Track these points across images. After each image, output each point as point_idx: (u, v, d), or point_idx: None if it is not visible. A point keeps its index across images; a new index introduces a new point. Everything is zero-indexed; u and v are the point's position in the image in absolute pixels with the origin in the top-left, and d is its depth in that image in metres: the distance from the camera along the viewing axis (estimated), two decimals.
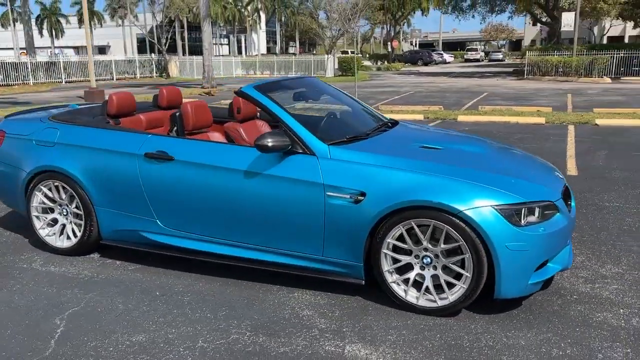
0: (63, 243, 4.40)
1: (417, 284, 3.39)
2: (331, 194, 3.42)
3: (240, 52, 63.59)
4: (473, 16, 52.70)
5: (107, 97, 4.79)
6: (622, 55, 29.22)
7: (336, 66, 35.17)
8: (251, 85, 3.96)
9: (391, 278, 3.40)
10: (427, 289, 3.33)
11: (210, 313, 3.44)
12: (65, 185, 4.25)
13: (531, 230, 3.16)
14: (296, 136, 3.59)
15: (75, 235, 4.36)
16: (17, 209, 4.76)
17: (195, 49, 56.61)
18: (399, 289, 3.40)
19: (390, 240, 3.33)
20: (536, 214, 3.22)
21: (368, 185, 3.34)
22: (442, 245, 3.24)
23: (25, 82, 29.50)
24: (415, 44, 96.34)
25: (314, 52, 75.45)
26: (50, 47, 60.35)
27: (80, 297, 3.69)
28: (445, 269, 3.31)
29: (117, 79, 34.18)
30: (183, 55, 43.87)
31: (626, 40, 53.25)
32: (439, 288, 3.33)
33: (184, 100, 4.86)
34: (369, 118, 4.56)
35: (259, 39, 69.90)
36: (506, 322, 3.25)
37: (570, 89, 21.64)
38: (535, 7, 33.61)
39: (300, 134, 3.60)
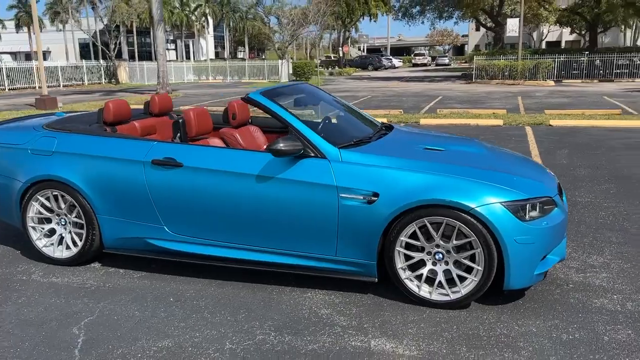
0: (62, 253, 4.33)
1: (429, 279, 3.56)
2: (344, 195, 3.55)
3: (188, 58, 62.70)
4: (423, 22, 54.26)
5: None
6: (563, 59, 30.80)
7: (290, 71, 35.31)
8: (258, 91, 4.04)
9: (404, 275, 3.56)
10: (439, 283, 3.51)
11: (230, 316, 3.50)
12: (65, 194, 4.19)
13: (536, 224, 3.39)
14: (307, 140, 3.70)
15: (75, 244, 4.30)
16: (8, 221, 4.64)
17: (143, 55, 55.45)
18: (412, 285, 3.56)
19: (403, 238, 3.49)
20: (538, 209, 3.46)
21: (381, 186, 3.49)
22: (454, 242, 3.42)
23: None
24: (363, 50, 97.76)
25: (264, 56, 75.36)
26: None
27: (92, 307, 3.66)
28: (456, 263, 3.49)
29: (63, 86, 33.08)
30: (131, 60, 42.87)
31: (563, 45, 56.00)
32: (450, 282, 3.51)
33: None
34: (364, 122, 4.71)
35: (207, 44, 69.23)
36: (514, 312, 3.47)
37: (519, 91, 22.60)
38: (481, 13, 34.87)
39: (310, 138, 3.71)
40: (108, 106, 4.53)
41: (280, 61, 36.70)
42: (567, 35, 55.70)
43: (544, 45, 54.70)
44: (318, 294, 3.79)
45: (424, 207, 3.40)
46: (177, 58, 63.50)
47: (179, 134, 4.31)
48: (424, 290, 3.54)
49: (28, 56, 51.84)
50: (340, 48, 55.43)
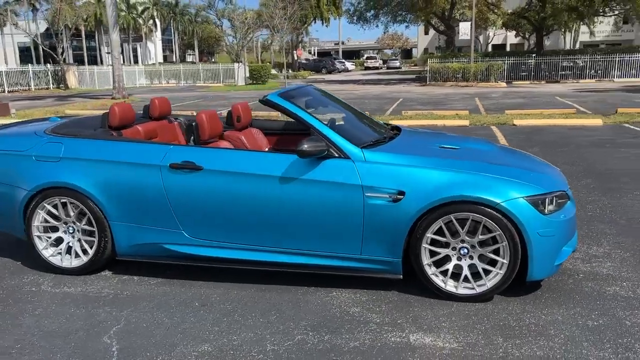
0: (71, 263, 4.20)
1: (454, 274, 3.67)
2: (370, 194, 3.61)
3: (136, 62, 61.28)
4: (377, 25, 55.10)
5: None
6: (512, 62, 31.98)
7: (247, 74, 35.10)
8: (275, 93, 4.06)
9: (430, 271, 3.65)
10: (465, 277, 3.62)
11: (262, 318, 3.50)
12: (75, 201, 4.07)
13: (554, 217, 3.56)
14: (330, 141, 3.74)
15: (85, 253, 4.18)
16: (8, 231, 4.46)
17: (89, 59, 53.78)
18: (439, 280, 3.66)
19: (429, 234, 3.58)
20: (554, 203, 3.62)
21: (406, 185, 3.58)
22: (480, 237, 3.55)
23: None
24: (314, 53, 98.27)
25: (213, 60, 74.53)
26: None
27: (116, 315, 3.57)
28: (481, 257, 3.62)
29: (9, 92, 31.67)
30: (76, 65, 41.34)
31: (508, 47, 58.01)
32: (475, 276, 3.63)
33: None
34: (372, 123, 4.80)
35: (155, 48, 67.88)
36: (537, 302, 3.62)
37: (475, 93, 23.31)
38: (432, 17, 35.76)
39: (333, 139, 3.76)
40: (114, 110, 4.43)
41: (236, 64, 36.40)
42: (511, 38, 57.73)
43: (490, 48, 56.51)
44: (343, 293, 3.83)
45: (450, 204, 3.51)
46: (124, 62, 61.97)
47: (192, 137, 4.26)
48: (450, 285, 3.65)
49: None
50: (294, 51, 55.46)
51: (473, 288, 3.61)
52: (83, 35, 50.90)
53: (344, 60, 61.09)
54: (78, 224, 4.17)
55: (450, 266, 3.65)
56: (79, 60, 49.49)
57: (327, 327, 3.36)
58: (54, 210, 4.16)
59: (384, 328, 3.33)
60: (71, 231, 4.21)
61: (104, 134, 4.30)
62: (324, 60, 59.37)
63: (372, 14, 37.83)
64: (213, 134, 4.32)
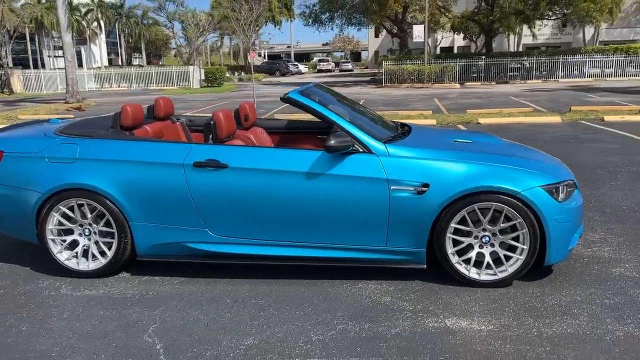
0: (88, 265, 4.14)
1: (475, 261, 3.85)
2: (395, 187, 3.74)
3: (80, 65, 59.36)
4: (332, 28, 55.53)
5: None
6: (463, 63, 32.98)
7: (202, 77, 34.68)
8: (296, 91, 4.13)
9: (454, 259, 3.82)
10: (487, 264, 3.81)
11: (298, 310, 3.56)
12: (92, 203, 4.01)
13: (567, 204, 3.80)
14: (353, 137, 3.85)
15: (103, 255, 4.12)
16: (19, 236, 4.35)
17: (28, 62, 51.69)
18: (462, 268, 3.83)
19: (453, 224, 3.75)
20: (565, 191, 3.86)
21: (430, 177, 3.73)
22: (501, 225, 3.74)
23: None
24: (264, 56, 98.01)
25: (161, 63, 73.16)
26: None
27: (149, 315, 3.56)
28: (501, 244, 3.81)
29: None
30: (17, 68, 39.54)
31: (455, 50, 59.65)
32: (496, 262, 3.82)
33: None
34: (381, 120, 4.94)
35: (100, 51, 65.99)
36: (553, 284, 3.85)
37: (432, 94, 23.92)
38: (386, 20, 36.43)
39: (357, 135, 3.87)
40: (126, 110, 4.39)
41: (191, 67, 35.93)
42: (459, 41, 59.36)
43: (438, 51, 57.98)
44: (369, 284, 3.94)
45: (474, 194, 3.68)
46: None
47: (211, 136, 4.27)
48: (473, 272, 3.82)
49: None
50: (248, 54, 55.16)
51: (495, 274, 3.80)
52: (27, 38, 48.87)
53: (297, 63, 61.23)
54: (95, 225, 4.11)
55: (473, 254, 3.82)
56: (19, 64, 47.45)
57: (364, 316, 3.47)
58: (69, 213, 4.08)
59: (418, 315, 3.47)
60: (87, 233, 4.14)
61: (119, 134, 4.26)
62: (278, 63, 59.28)
63: (327, 16, 38.23)
64: (229, 132, 4.35)
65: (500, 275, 3.79)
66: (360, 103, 19.64)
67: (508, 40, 53.68)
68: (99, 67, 48.97)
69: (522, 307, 3.52)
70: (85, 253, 4.17)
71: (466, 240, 3.81)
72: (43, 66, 52.51)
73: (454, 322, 3.36)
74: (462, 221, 3.76)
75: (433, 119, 13.55)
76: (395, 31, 37.95)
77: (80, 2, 59.54)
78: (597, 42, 47.48)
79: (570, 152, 8.79)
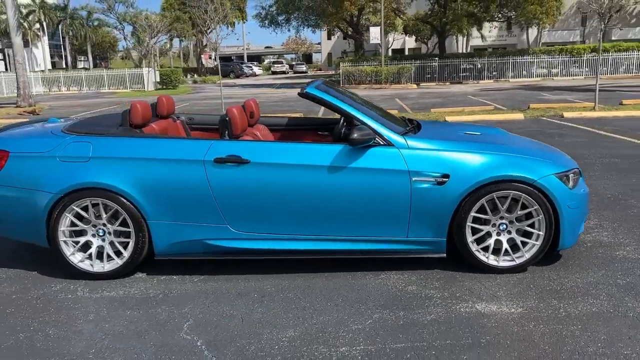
0: (103, 267, 4.03)
1: (492, 248, 3.98)
2: (417, 179, 3.84)
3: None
4: (288, 29, 55.55)
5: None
6: (418, 64, 33.67)
7: (157, 79, 33.98)
8: (312, 86, 4.17)
9: (474, 247, 3.94)
10: (505, 251, 3.95)
11: (329, 302, 3.60)
12: (108, 202, 3.92)
13: (577, 191, 3.99)
14: (374, 130, 3.92)
15: (119, 255, 4.03)
16: (26, 239, 4.21)
17: None
18: (481, 255, 3.95)
19: (472, 213, 3.87)
20: (573, 178, 4.06)
21: (450, 168, 3.84)
22: (519, 212, 3.89)
23: None
24: (215, 58, 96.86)
25: (110, 66, 71.26)
26: None
27: (179, 313, 3.51)
28: (518, 231, 3.96)
29: None
30: None
31: (406, 52, 60.77)
32: (514, 248, 3.97)
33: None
34: (390, 115, 5.02)
35: (43, 53, 63.59)
36: (566, 268, 4.02)
37: (392, 94, 24.32)
38: (343, 22, 36.78)
39: (376, 129, 3.94)
40: (136, 107, 4.30)
41: (145, 69, 35.13)
42: (410, 43, 60.52)
43: (390, 53, 58.94)
44: (391, 274, 4.02)
45: (493, 184, 3.82)
46: (7, 69, 57.30)
47: (227, 132, 4.24)
48: (492, 259, 3.96)
49: None
50: (201, 56, 54.50)
51: (513, 260, 3.95)
52: None
53: (251, 65, 60.86)
54: (109, 225, 4.01)
55: (491, 241, 3.96)
56: None
57: (396, 305, 3.54)
58: (83, 213, 3.97)
59: (448, 301, 3.56)
60: (101, 234, 4.03)
61: (131, 132, 4.17)
62: (232, 65, 58.67)
63: (283, 18, 38.23)
64: (243, 128, 4.33)
65: (518, 261, 3.94)
66: None
67: (457, 42, 55.18)
68: (42, 71, 47.18)
69: (543, 290, 3.68)
70: (99, 254, 4.06)
71: (485, 228, 3.93)
72: None
73: (484, 306, 3.47)
74: (481, 210, 3.89)
75: None
76: (351, 33, 38.35)
77: (22, 3, 57.20)
78: (540, 43, 49.42)
79: None
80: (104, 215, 3.98)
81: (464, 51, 47.19)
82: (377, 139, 3.91)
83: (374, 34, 30.82)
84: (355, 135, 3.77)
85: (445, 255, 3.99)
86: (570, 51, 34.54)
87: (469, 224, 3.88)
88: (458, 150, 3.91)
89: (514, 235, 3.95)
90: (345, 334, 3.19)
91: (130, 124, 4.31)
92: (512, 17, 33.59)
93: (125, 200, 3.90)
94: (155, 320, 3.42)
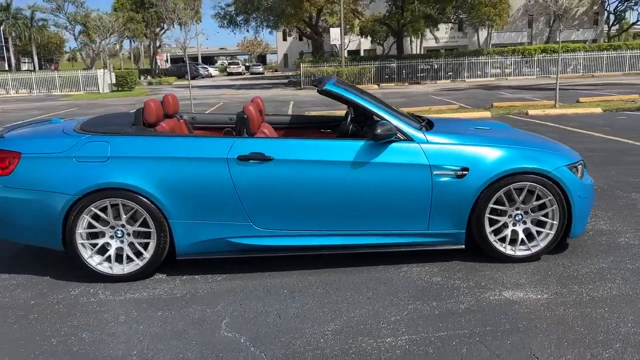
0: (123, 269, 3.94)
1: (506, 238, 4.12)
2: (437, 172, 3.94)
3: None
4: (247, 30, 55.00)
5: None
6: (377, 65, 34.13)
7: (113, 81, 33.09)
8: (330, 83, 4.21)
9: (492, 238, 4.07)
10: (522, 241, 4.10)
11: (360, 296, 3.64)
12: (128, 202, 3.84)
13: (585, 181, 4.19)
14: (395, 126, 3.99)
15: (139, 256, 3.95)
16: (39, 243, 4.08)
17: None
18: (499, 246, 4.09)
19: (491, 205, 4.00)
20: (580, 170, 4.25)
21: (469, 161, 3.96)
22: (534, 202, 4.05)
23: None
24: (167, 59, 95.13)
25: (57, 67, 68.82)
26: None
27: (213, 312, 3.48)
28: (532, 221, 4.12)
29: None
30: None
31: (362, 53, 61.40)
32: (529, 238, 4.12)
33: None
34: (401, 111, 5.11)
35: None
36: (576, 256, 4.21)
37: None
38: (302, 23, 36.83)
39: (397, 124, 4.02)
40: (150, 106, 4.22)
41: (100, 71, 34.13)
42: (365, 44, 61.18)
43: (346, 54, 59.44)
44: (412, 267, 4.10)
45: (510, 176, 3.96)
46: None
47: (245, 130, 4.22)
48: (509, 249, 4.10)
49: None
50: (157, 57, 53.40)
51: (528, 249, 4.10)
52: None
53: (206, 66, 60.10)
54: (129, 226, 3.93)
55: (508, 232, 4.10)
56: None
57: (427, 295, 3.62)
58: (102, 214, 3.87)
59: (475, 290, 3.67)
60: (119, 235, 3.95)
61: (147, 131, 4.10)
62: (187, 66, 57.87)
63: (242, 18, 37.95)
64: (258, 126, 4.33)
65: (534, 250, 4.10)
66: (291, 104, 19.78)
67: (411, 44, 56.20)
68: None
69: (561, 277, 3.84)
70: (117, 256, 3.97)
71: (501, 219, 4.07)
72: None
73: (511, 294, 3.60)
74: (498, 201, 4.03)
75: None
76: (310, 34, 38.46)
77: None
78: (490, 44, 50.95)
79: None
80: (124, 216, 3.89)
81: (418, 52, 48.07)
82: (398, 134, 3.98)
83: (334, 35, 31.03)
84: (379, 130, 3.84)
85: (464, 246, 4.10)
86: (522, 52, 35.80)
87: (487, 215, 4.01)
88: (475, 144, 4.03)
89: (529, 225, 4.11)
90: (386, 325, 3.24)
91: (143, 122, 4.23)
92: (467, 18, 34.48)
93: (146, 200, 3.83)
94: (190, 320, 3.38)
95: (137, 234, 3.96)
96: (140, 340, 3.16)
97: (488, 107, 16.18)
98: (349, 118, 5.04)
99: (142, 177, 3.82)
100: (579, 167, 4.18)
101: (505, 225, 4.11)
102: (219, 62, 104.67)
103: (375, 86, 30.50)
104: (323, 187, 3.91)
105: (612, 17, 59.80)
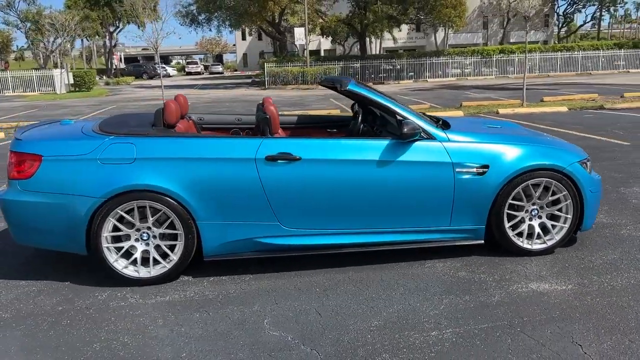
0: (150, 272, 3.89)
1: (520, 233, 4.28)
2: (459, 170, 4.06)
3: None
4: (210, 29, 54.19)
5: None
6: (341, 65, 34.38)
7: (71, 81, 32.10)
8: (353, 82, 4.26)
9: (511, 233, 4.22)
10: (538, 235, 4.27)
11: (393, 292, 3.72)
12: (156, 204, 3.79)
13: (594, 176, 4.39)
14: (419, 125, 4.09)
15: (166, 259, 3.91)
16: (61, 248, 3.98)
17: None
18: (516, 240, 4.24)
19: (509, 200, 4.15)
20: (589, 166, 4.46)
21: (489, 159, 4.09)
22: (550, 197, 4.22)
23: None
24: (121, 59, 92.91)
25: (8, 66, 66.11)
26: None
27: (251, 311, 3.48)
28: (547, 216, 4.29)
29: None
30: None
31: (322, 53, 61.61)
32: (544, 231, 4.29)
33: None
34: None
35: None
36: (586, 248, 4.40)
37: (326, 94, 24.64)
38: (265, 22, 36.68)
39: (420, 123, 4.11)
40: (170, 107, 4.17)
41: (57, 70, 33.05)
42: (325, 44, 61.40)
43: (306, 54, 59.52)
44: (435, 263, 4.20)
45: (528, 172, 4.11)
46: None
47: (268, 130, 4.22)
48: (526, 243, 4.26)
49: None
50: (114, 56, 52.10)
51: (544, 242, 4.27)
52: None
53: (164, 66, 59.03)
54: (155, 229, 3.88)
55: (525, 227, 4.25)
56: None
57: (458, 290, 3.72)
58: (128, 217, 3.81)
59: (502, 284, 3.80)
60: (145, 238, 3.89)
61: (171, 132, 4.05)
62: (145, 65, 56.68)
63: (204, 17, 37.49)
64: (279, 126, 4.34)
65: (549, 243, 4.27)
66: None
67: (371, 44, 56.78)
68: None
69: (579, 268, 4.02)
70: (143, 259, 3.91)
71: (519, 215, 4.22)
72: None
73: (537, 285, 3.74)
74: (516, 197, 4.17)
75: None
76: (273, 33, 38.34)
77: None
78: (447, 45, 52.07)
79: None
80: (150, 219, 3.84)
81: (377, 53, 48.64)
82: (421, 133, 4.08)
83: (299, 35, 31.08)
84: (406, 129, 3.92)
85: (483, 241, 4.23)
86: (481, 52, 36.74)
87: (506, 211, 4.15)
88: (494, 142, 4.17)
89: (544, 219, 4.27)
90: (427, 319, 3.32)
91: (163, 123, 4.18)
92: (428, 20, 35.14)
93: (174, 202, 3.79)
94: (230, 321, 3.37)
95: (162, 236, 3.91)
96: (186, 342, 3.13)
97: (458, 106, 16.56)
98: (360, 118, 5.11)
99: (169, 178, 3.78)
100: (588, 163, 4.38)
101: (522, 220, 4.26)
102: (174, 61, 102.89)
103: None
104: (350, 186, 3.96)
105: (561, 19, 62.24)
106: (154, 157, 3.81)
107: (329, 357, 2.94)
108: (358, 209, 4.01)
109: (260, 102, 5.18)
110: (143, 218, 3.87)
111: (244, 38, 66.62)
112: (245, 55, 69.41)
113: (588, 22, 69.58)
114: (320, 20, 34.72)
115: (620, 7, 67.89)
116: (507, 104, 16.69)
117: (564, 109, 14.80)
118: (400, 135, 3.94)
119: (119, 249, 3.87)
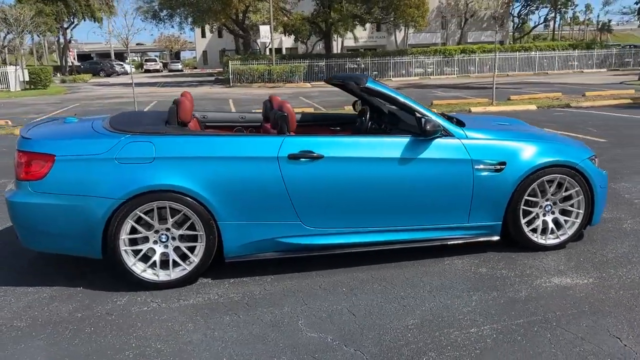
0: (170, 275, 3.76)
1: (534, 229, 4.35)
2: (478, 167, 4.09)
3: None
4: (172, 26, 53.11)
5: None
6: (307, 64, 34.30)
7: (27, 78, 30.86)
8: (370, 81, 4.23)
9: (526, 228, 4.28)
10: (551, 230, 4.34)
11: (420, 290, 3.71)
12: (176, 204, 3.66)
13: (602, 172, 4.51)
14: (438, 122, 4.09)
15: (186, 261, 3.78)
16: (74, 252, 3.80)
17: None
18: (531, 235, 4.30)
19: (525, 196, 4.21)
20: (597, 162, 4.56)
21: (506, 156, 4.14)
22: (563, 193, 4.30)
23: None
24: (75, 56, 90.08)
25: None
26: None
27: (282, 313, 3.41)
28: (559, 211, 4.37)
29: None
30: None
31: (283, 51, 61.39)
32: (556, 226, 4.37)
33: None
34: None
35: None
36: (596, 243, 4.51)
37: (295, 93, 24.54)
38: (229, 20, 36.22)
39: (440, 121, 4.12)
40: (185, 104, 4.04)
41: (12, 67, 31.69)
42: (287, 42, 61.18)
43: (268, 52, 59.17)
44: (454, 260, 4.22)
45: (543, 169, 4.18)
46: None
47: (286, 127, 4.14)
48: (540, 238, 4.33)
49: None
50: (69, 53, 50.39)
51: (557, 237, 4.35)
52: None
53: (122, 63, 57.45)
54: (174, 230, 3.75)
55: (539, 222, 4.32)
56: None
57: (483, 286, 3.74)
58: (147, 218, 3.66)
59: (525, 279, 3.85)
60: (164, 239, 3.76)
61: (188, 130, 3.93)
62: (102, 63, 55.02)
63: (166, 13, 36.70)
64: (296, 123, 4.27)
65: (562, 238, 4.35)
66: (231, 102, 19.42)
67: (334, 43, 56.88)
68: None
69: (594, 262, 4.11)
70: (161, 262, 3.77)
71: (534, 210, 4.29)
72: None
73: (559, 280, 3.81)
74: (531, 193, 4.24)
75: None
76: (237, 31, 37.91)
77: None
78: (407, 44, 52.77)
79: None
80: (170, 220, 3.71)
81: (339, 52, 48.81)
82: (442, 130, 4.08)
83: (264, 32, 30.84)
84: (428, 127, 3.92)
85: (499, 237, 4.28)
86: (443, 52, 37.36)
87: (522, 207, 4.21)
88: (510, 140, 4.22)
89: (557, 215, 4.36)
90: (462, 316, 3.33)
91: (177, 121, 4.05)
92: (391, 19, 35.45)
93: (195, 202, 3.67)
94: (263, 323, 3.29)
95: (181, 238, 3.78)
96: (223, 347, 3.04)
97: (429, 105, 16.75)
98: (367, 115, 5.08)
99: (190, 178, 3.66)
100: (596, 159, 4.49)
101: (536, 216, 4.33)
102: (129, 58, 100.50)
103: (308, 85, 30.64)
104: (372, 184, 3.93)
105: (516, 20, 64.03)
106: (174, 156, 3.67)
107: (375, 357, 2.90)
108: (379, 207, 3.99)
109: (268, 99, 5.10)
110: (161, 219, 3.73)
111: (203, 35, 65.67)
112: (205, 52, 68.43)
113: (541, 24, 71.93)
114: (285, 18, 34.55)
115: (571, 9, 70.50)
116: (477, 102, 17.01)
117: (533, 107, 15.20)
118: (423, 132, 3.93)
119: (136, 252, 3.72)
